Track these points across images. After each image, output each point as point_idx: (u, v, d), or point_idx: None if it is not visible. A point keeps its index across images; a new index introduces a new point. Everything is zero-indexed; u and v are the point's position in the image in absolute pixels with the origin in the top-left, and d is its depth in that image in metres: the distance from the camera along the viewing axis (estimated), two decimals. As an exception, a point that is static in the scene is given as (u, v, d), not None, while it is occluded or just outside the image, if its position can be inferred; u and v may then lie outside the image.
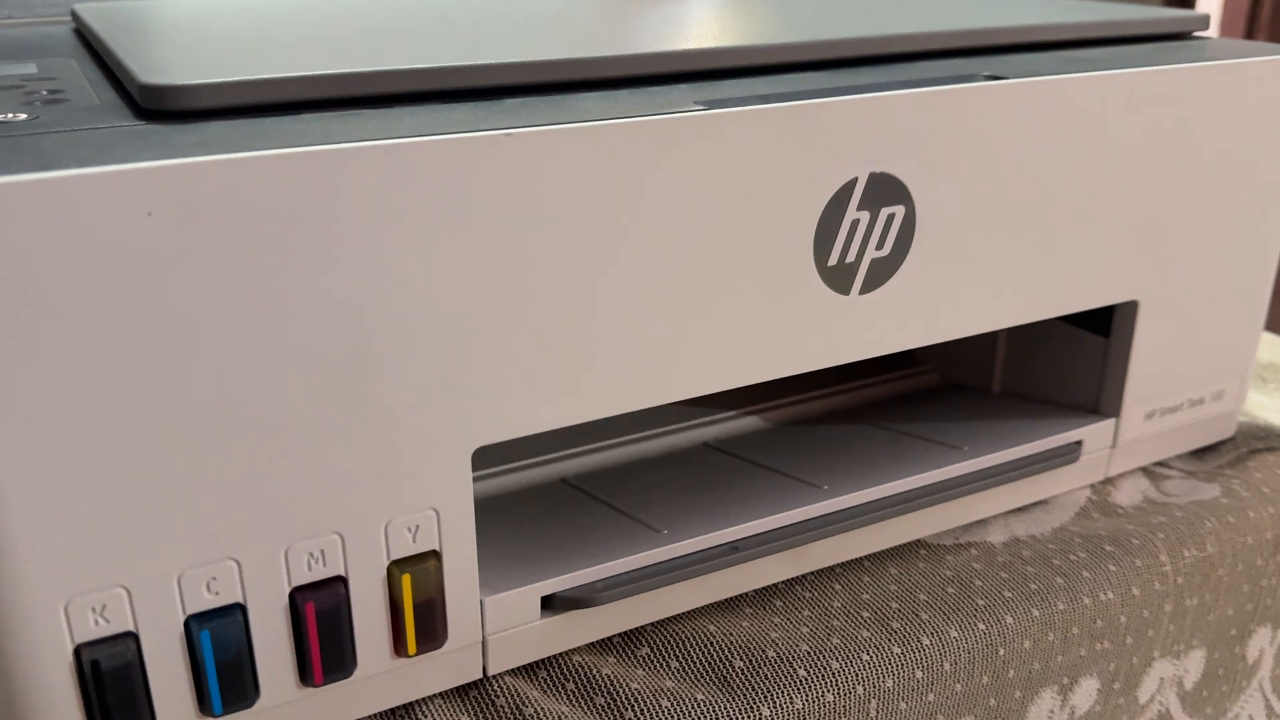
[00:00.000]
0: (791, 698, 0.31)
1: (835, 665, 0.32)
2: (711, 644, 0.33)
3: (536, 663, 0.32)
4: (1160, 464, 0.44)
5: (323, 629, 0.27)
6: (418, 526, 0.28)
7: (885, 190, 0.31)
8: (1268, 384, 0.51)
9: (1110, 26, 0.39)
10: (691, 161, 0.28)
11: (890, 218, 0.31)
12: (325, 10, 0.38)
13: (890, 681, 0.32)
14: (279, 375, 0.24)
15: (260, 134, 0.24)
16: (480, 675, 0.31)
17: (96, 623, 0.24)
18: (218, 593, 0.25)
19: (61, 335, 0.22)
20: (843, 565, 0.37)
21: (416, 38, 0.32)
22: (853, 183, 0.30)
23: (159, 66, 0.27)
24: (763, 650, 0.32)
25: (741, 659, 0.32)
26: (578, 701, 0.30)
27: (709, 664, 0.32)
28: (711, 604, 0.35)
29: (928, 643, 0.33)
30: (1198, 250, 0.39)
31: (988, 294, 0.35)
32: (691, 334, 0.30)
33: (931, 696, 0.33)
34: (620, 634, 0.33)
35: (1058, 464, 0.39)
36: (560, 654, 0.32)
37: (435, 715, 0.30)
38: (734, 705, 0.31)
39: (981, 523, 0.39)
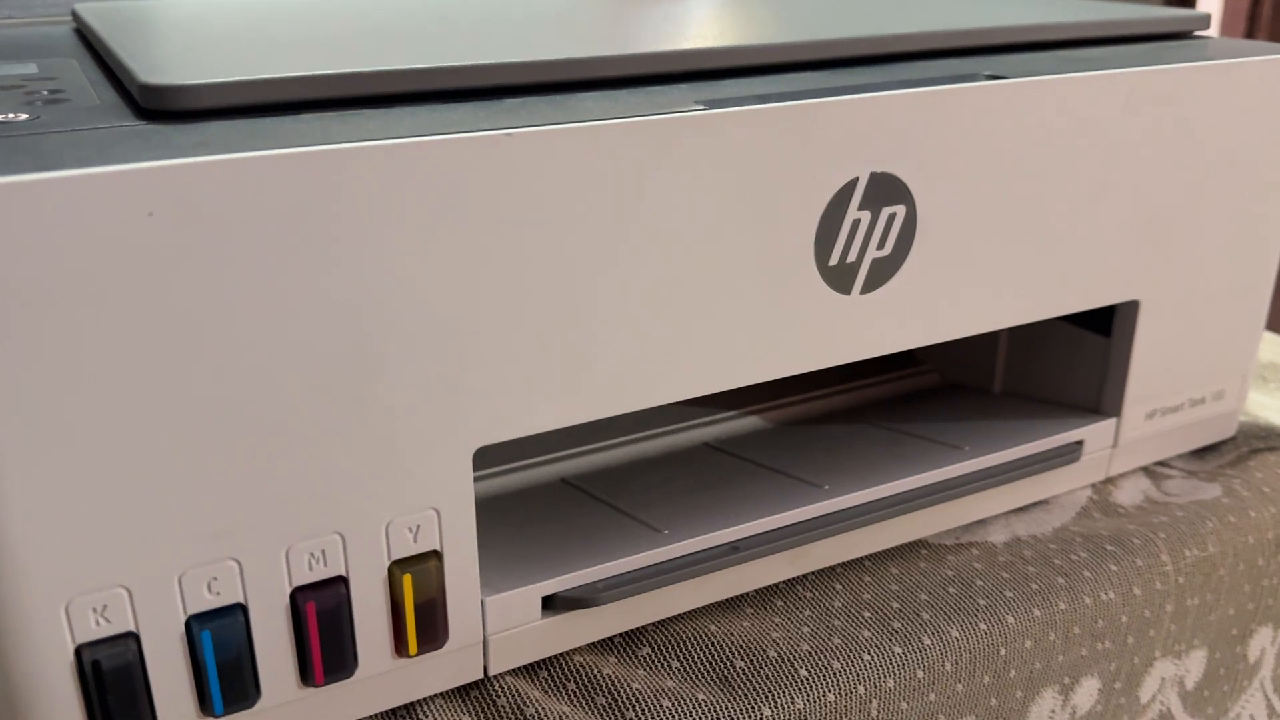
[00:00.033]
0: (793, 698, 0.31)
1: (837, 665, 0.32)
2: (713, 644, 0.33)
3: (537, 663, 0.32)
4: (1161, 464, 0.44)
5: (324, 629, 0.27)
6: (419, 526, 0.28)
7: (886, 190, 0.31)
8: (1268, 384, 0.51)
9: (1110, 26, 0.39)
10: (692, 161, 0.28)
11: (891, 217, 0.31)
12: (325, 10, 0.38)
13: (892, 681, 0.32)
14: (279, 375, 0.24)
15: (260, 134, 0.24)
16: (481, 675, 0.31)
17: (97, 623, 0.24)
18: (219, 593, 0.25)
19: (62, 335, 0.22)
20: (844, 565, 0.37)
21: (416, 38, 0.32)
22: (854, 182, 0.30)
23: (159, 66, 0.27)
24: (764, 650, 0.32)
25: (743, 659, 0.32)
26: (579, 702, 0.30)
27: (710, 664, 0.32)
28: (712, 604, 0.35)
29: (929, 643, 0.33)
30: (1198, 250, 0.39)
31: (989, 294, 0.35)
32: (692, 334, 0.30)
33: (933, 696, 0.33)
34: (621, 634, 0.33)
35: (1059, 464, 0.39)
36: (561, 654, 0.32)
37: (436, 715, 0.30)
38: (735, 705, 0.31)
39: (983, 522, 0.39)
